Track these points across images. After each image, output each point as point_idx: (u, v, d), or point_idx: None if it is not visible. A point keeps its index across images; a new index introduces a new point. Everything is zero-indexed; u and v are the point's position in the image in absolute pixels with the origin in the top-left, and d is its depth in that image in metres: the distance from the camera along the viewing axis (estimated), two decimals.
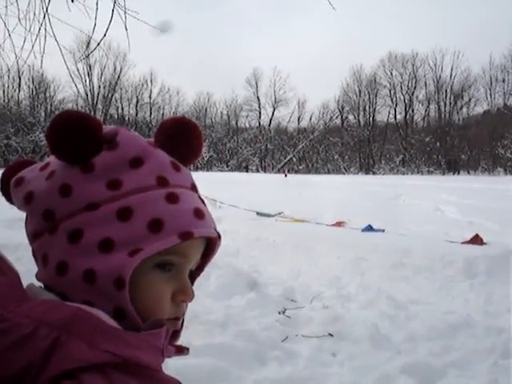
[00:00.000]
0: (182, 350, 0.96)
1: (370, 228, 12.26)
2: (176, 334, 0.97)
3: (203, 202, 0.99)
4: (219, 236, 0.98)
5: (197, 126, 1.00)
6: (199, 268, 1.02)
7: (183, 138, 0.98)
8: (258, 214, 15.94)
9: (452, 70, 78.24)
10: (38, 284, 0.90)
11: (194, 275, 1.00)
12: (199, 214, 0.92)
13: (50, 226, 0.88)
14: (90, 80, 76.24)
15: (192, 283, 0.96)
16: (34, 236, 0.92)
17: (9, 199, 0.99)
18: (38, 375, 0.71)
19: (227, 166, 77.53)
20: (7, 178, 0.98)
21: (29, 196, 0.91)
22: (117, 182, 0.89)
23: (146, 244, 0.85)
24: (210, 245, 0.99)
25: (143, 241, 0.85)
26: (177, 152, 0.97)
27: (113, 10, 5.78)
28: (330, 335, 5.43)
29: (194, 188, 0.99)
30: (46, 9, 5.78)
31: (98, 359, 0.74)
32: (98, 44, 6.14)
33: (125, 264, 0.83)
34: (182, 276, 0.93)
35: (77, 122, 0.89)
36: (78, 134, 0.88)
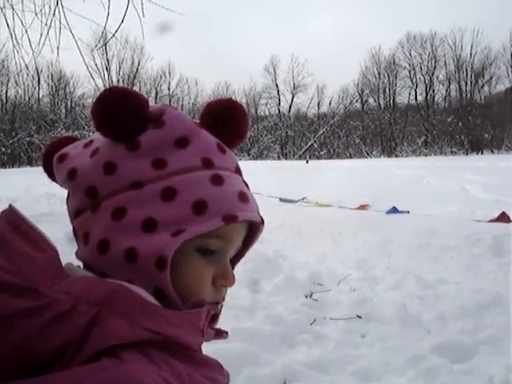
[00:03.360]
0: (221, 334, 0.94)
1: (394, 210, 12.21)
2: (215, 317, 0.95)
3: (247, 185, 0.97)
4: (262, 221, 0.96)
5: (243, 107, 0.98)
6: (240, 253, 1.00)
7: (229, 119, 0.96)
8: (281, 200, 15.96)
9: (472, 48, 77.19)
10: (77, 264, 0.88)
11: (234, 260, 0.98)
12: (243, 197, 0.91)
13: (93, 204, 0.87)
14: (109, 74, 76.67)
15: (232, 268, 0.94)
16: (75, 213, 0.91)
17: (51, 175, 0.98)
18: (76, 352, 0.70)
19: (248, 155, 77.51)
20: (50, 154, 0.97)
21: (72, 172, 0.90)
22: (162, 162, 0.87)
23: (189, 225, 0.83)
24: (252, 230, 0.97)
25: (186, 222, 0.84)
26: (222, 134, 0.95)
27: None
28: (359, 317, 5.41)
29: (238, 171, 0.97)
30: (57, 1, 5.80)
31: (137, 337, 0.73)
32: (116, 32, 6.19)
33: (167, 244, 0.82)
34: (224, 260, 0.91)
35: (123, 98, 0.87)
36: (124, 111, 0.86)
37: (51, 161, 0.95)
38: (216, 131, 0.94)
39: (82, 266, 0.89)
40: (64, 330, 0.71)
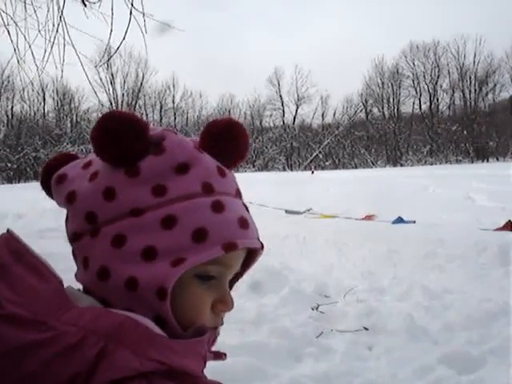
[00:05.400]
0: (219, 356, 0.94)
1: (400, 220, 12.19)
2: (213, 340, 0.95)
3: (247, 208, 0.96)
4: (262, 246, 0.96)
5: (244, 127, 0.97)
6: (238, 275, 1.00)
7: (231, 140, 0.95)
8: (286, 211, 15.95)
9: (475, 56, 77.38)
10: (76, 286, 0.88)
11: (231, 282, 0.98)
12: (244, 223, 0.91)
13: (92, 229, 0.87)
14: (114, 89, 77.01)
15: (230, 289, 0.94)
16: (74, 236, 0.90)
17: (49, 193, 0.97)
18: None
19: (253, 167, 77.55)
20: (48, 172, 0.96)
21: (71, 196, 0.90)
22: (162, 188, 0.87)
23: (189, 254, 0.83)
24: (251, 252, 0.97)
25: (186, 251, 0.83)
26: (223, 154, 0.94)
27: (130, 12, 5.83)
28: (365, 329, 5.38)
29: (238, 194, 0.97)
30: (60, 17, 5.85)
31: (145, 368, 0.73)
32: (118, 47, 6.23)
33: (168, 274, 0.82)
34: (223, 286, 0.91)
35: (124, 123, 0.86)
36: (124, 136, 0.86)
37: (50, 178, 0.95)
38: (216, 152, 0.93)
39: (81, 288, 0.88)
40: (72, 362, 0.71)
